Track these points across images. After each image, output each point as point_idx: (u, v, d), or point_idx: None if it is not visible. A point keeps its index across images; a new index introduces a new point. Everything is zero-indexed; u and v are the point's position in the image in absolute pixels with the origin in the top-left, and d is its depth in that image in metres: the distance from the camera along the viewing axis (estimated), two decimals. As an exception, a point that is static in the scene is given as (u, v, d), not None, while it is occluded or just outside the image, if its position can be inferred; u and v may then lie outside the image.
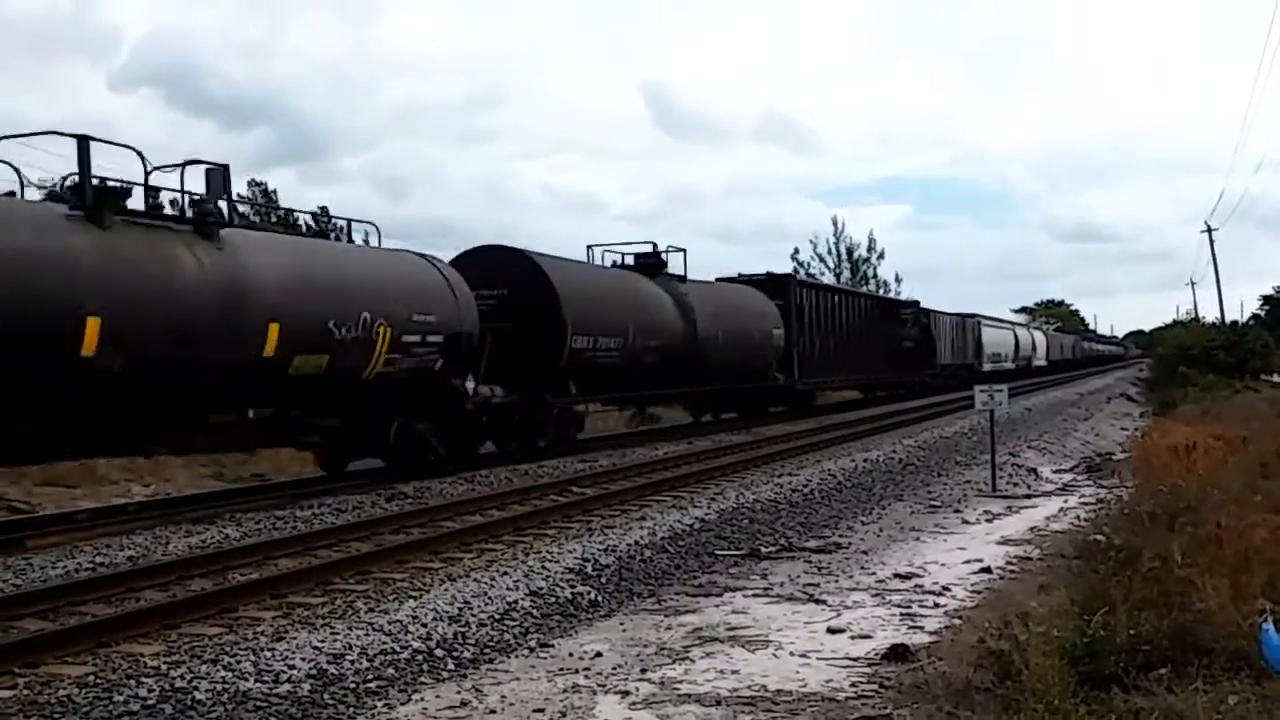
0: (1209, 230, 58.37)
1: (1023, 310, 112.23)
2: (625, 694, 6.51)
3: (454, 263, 18.38)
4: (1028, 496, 15.72)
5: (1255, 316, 70.00)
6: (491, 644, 7.63)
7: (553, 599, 8.77)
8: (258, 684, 6.37)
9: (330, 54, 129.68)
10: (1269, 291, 72.34)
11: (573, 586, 9.14)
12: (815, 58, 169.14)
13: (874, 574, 10.10)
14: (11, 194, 13.48)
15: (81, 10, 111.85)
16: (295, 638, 7.25)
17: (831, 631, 7.96)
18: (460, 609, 8.11)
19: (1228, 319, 59.06)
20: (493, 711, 6.29)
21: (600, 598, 9.08)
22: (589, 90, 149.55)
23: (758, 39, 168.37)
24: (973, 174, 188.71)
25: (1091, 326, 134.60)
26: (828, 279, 66.44)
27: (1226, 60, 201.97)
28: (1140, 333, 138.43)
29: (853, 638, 7.77)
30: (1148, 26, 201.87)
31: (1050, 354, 77.23)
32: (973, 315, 55.02)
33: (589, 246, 23.24)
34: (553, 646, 7.72)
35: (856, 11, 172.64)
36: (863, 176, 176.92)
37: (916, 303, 44.84)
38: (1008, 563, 10.54)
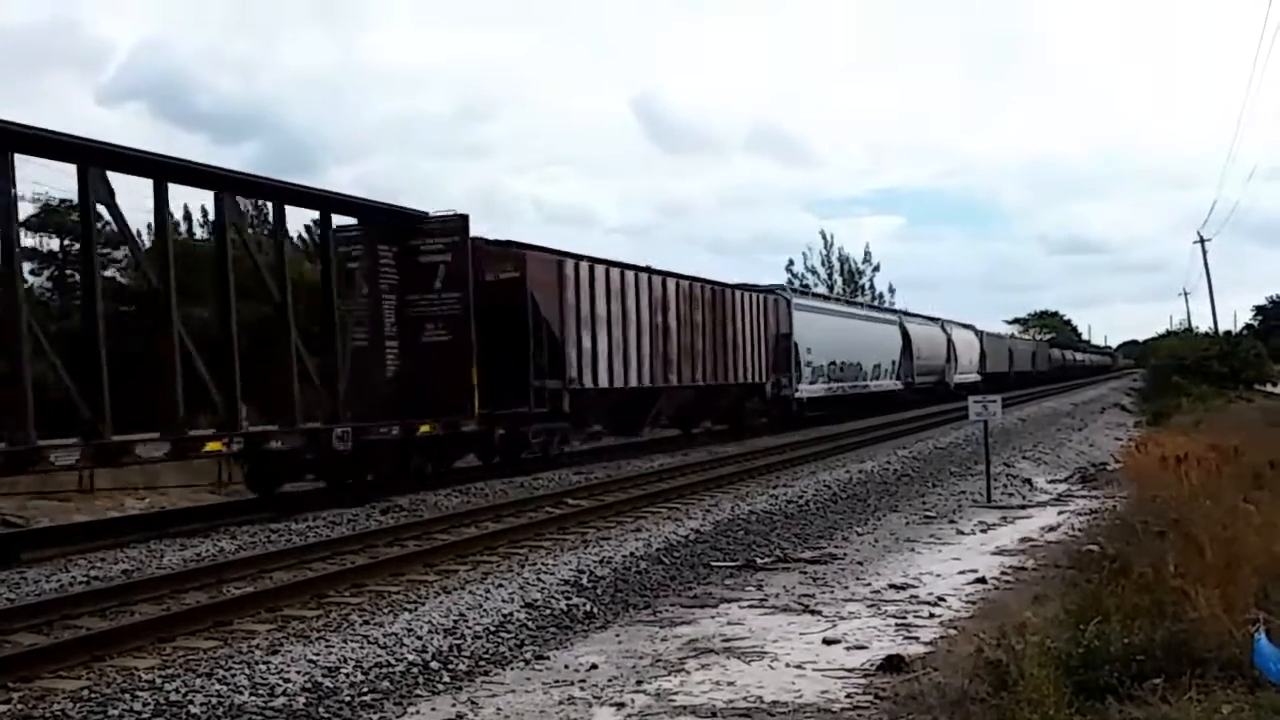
0: (1201, 241, 58.66)
1: (1016, 321, 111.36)
2: (621, 705, 6.50)
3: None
4: (1022, 507, 15.73)
5: (1248, 326, 70.16)
6: (487, 656, 7.63)
7: (548, 611, 8.77)
8: (252, 697, 6.36)
9: (319, 67, 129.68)
10: (1262, 301, 72.61)
11: (568, 598, 9.14)
12: (804, 70, 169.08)
13: (869, 585, 10.10)
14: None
15: (68, 24, 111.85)
16: (290, 651, 7.24)
17: (827, 642, 7.96)
18: (455, 621, 8.11)
19: (1221, 329, 59.25)
20: (488, 724, 6.28)
21: (595, 609, 9.08)
22: (580, 103, 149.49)
23: (745, 51, 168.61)
24: (964, 186, 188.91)
25: (1086, 337, 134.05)
26: (820, 291, 65.26)
27: (1217, 70, 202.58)
28: (1134, 343, 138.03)
29: (848, 648, 7.77)
30: (1138, 38, 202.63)
31: (989, 364, 54.78)
32: (773, 289, 30.54)
33: None
34: (548, 659, 7.71)
35: (845, 24, 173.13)
36: (856, 188, 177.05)
37: (462, 219, 17.42)
38: (1003, 573, 10.54)
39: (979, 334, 56.02)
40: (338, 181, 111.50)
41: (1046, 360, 77.63)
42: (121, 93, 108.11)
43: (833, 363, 32.72)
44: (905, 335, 40.97)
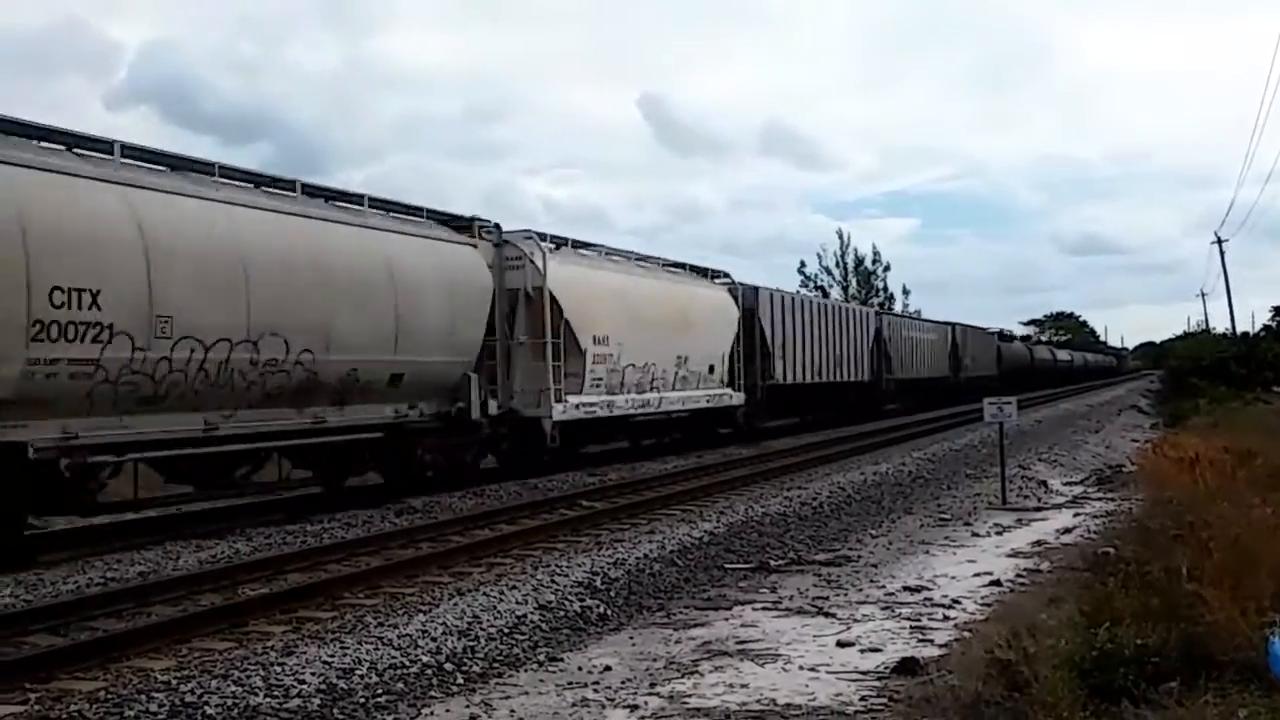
0: (1219, 241, 58.31)
1: (1031, 322, 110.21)
2: (634, 708, 6.51)
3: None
4: (1038, 509, 15.67)
5: (1266, 327, 69.62)
6: (500, 658, 7.64)
7: (562, 613, 8.78)
8: (267, 699, 6.39)
9: (328, 69, 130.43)
10: (1280, 302, 72.00)
11: (582, 600, 9.15)
12: (817, 71, 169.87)
13: (883, 587, 10.08)
14: None
15: (77, 28, 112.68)
16: (305, 652, 7.27)
17: (841, 645, 7.95)
18: (469, 623, 8.13)
19: (1239, 330, 58.89)
20: (502, 726, 6.29)
21: (609, 611, 9.08)
22: (591, 105, 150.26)
23: (757, 53, 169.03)
24: (978, 187, 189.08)
25: (1103, 338, 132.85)
26: (835, 292, 64.70)
27: (1233, 70, 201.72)
28: (1151, 344, 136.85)
29: (862, 651, 7.76)
30: (1153, 38, 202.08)
31: (820, 366, 29.74)
32: None
33: None
34: (562, 660, 7.72)
35: (857, 26, 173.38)
36: (868, 190, 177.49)
37: None
38: (1017, 575, 10.51)
39: (785, 299, 28.33)
40: (349, 183, 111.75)
41: (994, 361, 47.99)
42: (131, 96, 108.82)
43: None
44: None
